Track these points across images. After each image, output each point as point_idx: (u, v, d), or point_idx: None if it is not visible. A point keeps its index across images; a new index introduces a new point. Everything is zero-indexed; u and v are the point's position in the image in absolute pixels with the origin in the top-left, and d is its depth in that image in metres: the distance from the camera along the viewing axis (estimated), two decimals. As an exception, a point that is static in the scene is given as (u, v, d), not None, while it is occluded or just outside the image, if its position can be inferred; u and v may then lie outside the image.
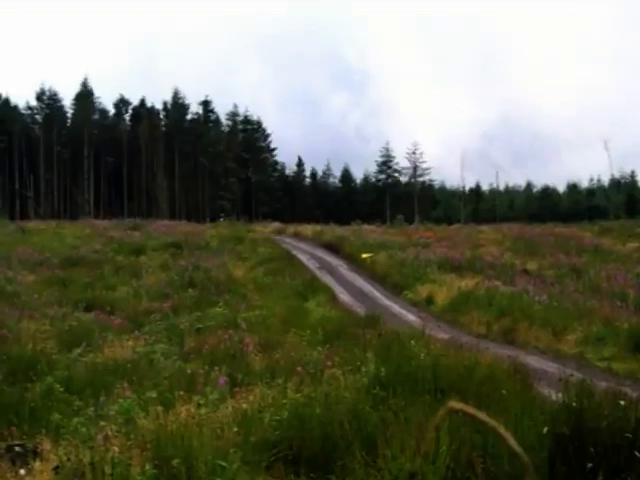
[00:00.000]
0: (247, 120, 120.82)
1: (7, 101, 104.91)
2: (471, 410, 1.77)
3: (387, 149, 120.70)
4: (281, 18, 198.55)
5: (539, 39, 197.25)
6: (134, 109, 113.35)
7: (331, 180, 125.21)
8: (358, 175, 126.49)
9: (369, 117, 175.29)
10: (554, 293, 24.02)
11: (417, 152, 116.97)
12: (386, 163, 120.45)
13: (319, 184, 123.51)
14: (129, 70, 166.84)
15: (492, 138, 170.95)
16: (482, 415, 1.76)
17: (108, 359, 14.14)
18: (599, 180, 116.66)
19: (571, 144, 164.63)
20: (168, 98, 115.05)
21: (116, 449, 6.48)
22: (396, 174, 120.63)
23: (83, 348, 15.36)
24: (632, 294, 22.68)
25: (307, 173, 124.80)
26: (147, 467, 6.40)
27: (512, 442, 1.70)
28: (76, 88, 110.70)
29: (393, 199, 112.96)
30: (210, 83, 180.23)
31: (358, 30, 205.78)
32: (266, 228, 60.27)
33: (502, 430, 1.72)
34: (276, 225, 63.76)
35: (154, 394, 9.98)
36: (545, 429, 6.95)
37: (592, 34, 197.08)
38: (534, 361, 15.45)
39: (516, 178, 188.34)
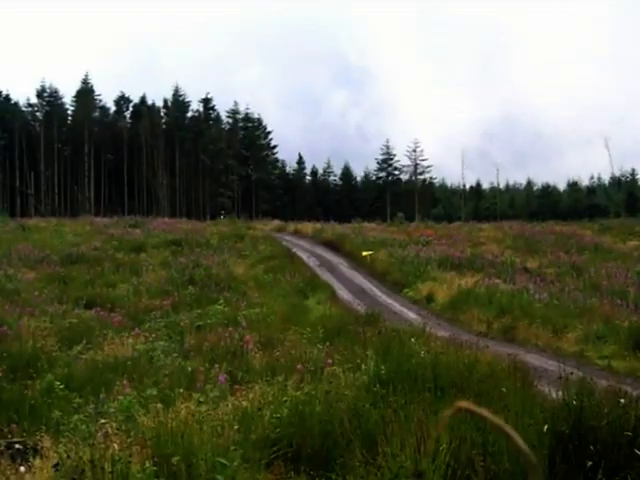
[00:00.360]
0: (248, 118, 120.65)
1: (8, 98, 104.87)
2: (479, 409, 1.75)
3: (388, 147, 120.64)
4: (282, 17, 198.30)
5: (539, 39, 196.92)
6: (135, 106, 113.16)
7: (331, 178, 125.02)
8: (359, 173, 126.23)
9: (370, 115, 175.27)
10: (554, 291, 24.05)
11: (418, 150, 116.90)
12: (386, 161, 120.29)
13: (319, 182, 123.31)
14: (130, 67, 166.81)
15: (492, 137, 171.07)
16: (491, 415, 1.74)
17: (108, 356, 14.17)
18: (599, 178, 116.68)
19: (572, 143, 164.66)
20: (169, 95, 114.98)
21: (116, 446, 6.50)
22: (397, 172, 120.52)
23: (83, 345, 15.38)
24: (632, 292, 22.71)
25: (308, 171, 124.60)
26: (147, 464, 6.40)
27: (520, 443, 1.69)
28: (77, 85, 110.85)
29: (393, 197, 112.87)
30: (211, 81, 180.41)
31: (358, 29, 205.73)
32: (266, 226, 60.27)
33: (510, 430, 1.70)
34: (276, 223, 63.73)
35: (154, 392, 10.00)
36: (545, 427, 6.96)
37: (592, 34, 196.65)
38: (534, 359, 15.45)
39: (517, 176, 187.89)
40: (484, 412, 1.75)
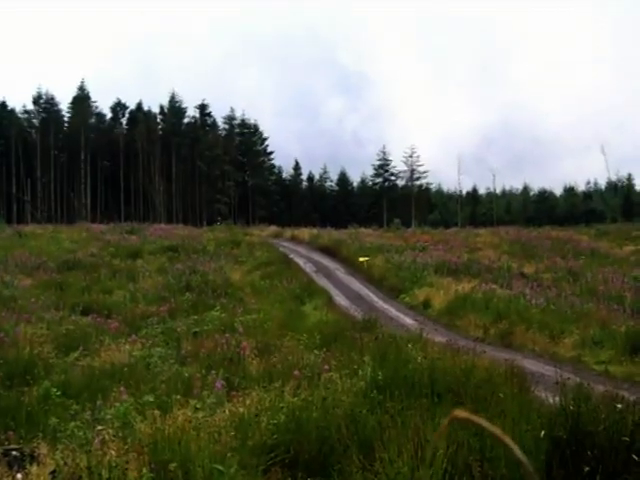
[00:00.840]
0: (244, 124, 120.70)
1: (4, 105, 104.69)
2: (476, 419, 1.74)
3: (384, 152, 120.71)
4: (279, 22, 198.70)
5: (538, 41, 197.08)
6: (131, 113, 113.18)
7: (328, 184, 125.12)
8: (355, 179, 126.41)
9: (366, 121, 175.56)
10: (551, 296, 24.07)
11: (414, 155, 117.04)
12: (383, 167, 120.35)
13: (316, 188, 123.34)
14: (126, 74, 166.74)
15: (489, 142, 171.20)
16: (487, 424, 1.74)
17: (105, 363, 14.15)
18: (596, 184, 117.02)
19: (568, 148, 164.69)
20: (165, 102, 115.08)
21: (113, 453, 6.49)
22: (393, 178, 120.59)
23: (80, 352, 15.36)
24: (629, 297, 22.73)
25: (304, 177, 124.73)
26: (144, 471, 6.39)
27: (518, 452, 1.69)
28: (73, 92, 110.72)
29: (390, 203, 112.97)
30: (207, 87, 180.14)
31: (355, 34, 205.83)
32: (263, 232, 60.30)
33: (508, 440, 1.70)
34: (273, 229, 63.76)
35: (151, 398, 9.97)
36: (542, 432, 6.96)
37: (590, 38, 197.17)
38: (531, 364, 15.45)
39: (513, 182, 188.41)
40: (481, 421, 1.75)
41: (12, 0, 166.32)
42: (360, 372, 10.60)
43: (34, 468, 6.97)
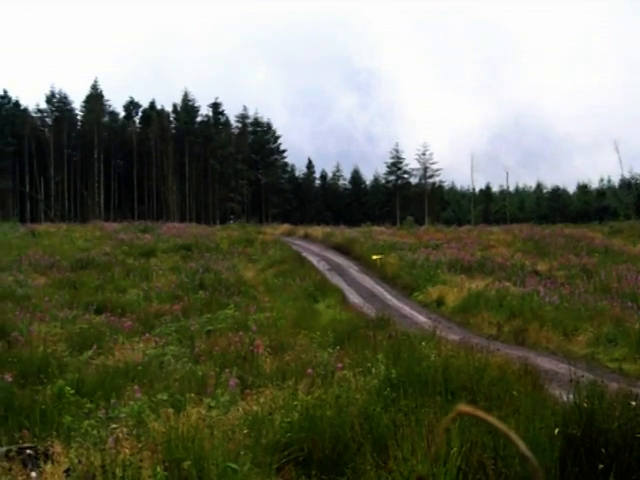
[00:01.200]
0: (257, 122, 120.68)
1: (17, 104, 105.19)
2: (480, 413, 1.74)
3: (397, 150, 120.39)
4: (291, 20, 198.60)
5: (550, 40, 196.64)
6: (144, 111, 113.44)
7: (341, 182, 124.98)
8: (368, 177, 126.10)
9: (378, 118, 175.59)
10: (565, 294, 24.00)
11: (427, 153, 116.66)
12: (396, 164, 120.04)
13: (329, 186, 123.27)
14: (139, 73, 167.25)
15: (501, 139, 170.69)
16: (491, 418, 1.73)
17: (119, 361, 14.16)
18: (609, 181, 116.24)
19: (581, 145, 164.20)
20: (178, 100, 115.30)
21: (127, 451, 6.50)
22: (406, 175, 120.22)
23: (94, 351, 15.39)
24: (643, 295, 22.64)
25: (317, 175, 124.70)
26: (158, 469, 6.41)
27: (522, 446, 1.68)
28: (86, 91, 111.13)
29: (403, 200, 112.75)
30: (218, 85, 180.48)
31: (367, 32, 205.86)
32: (276, 230, 60.25)
33: (512, 434, 1.69)
34: (286, 227, 63.73)
35: (165, 396, 9.99)
36: (556, 430, 6.94)
37: (602, 34, 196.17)
38: (545, 362, 15.42)
39: (526, 179, 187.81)
40: (486, 416, 1.75)
41: (25, 0, 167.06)
42: (374, 370, 10.60)
43: (48, 466, 7.00)
